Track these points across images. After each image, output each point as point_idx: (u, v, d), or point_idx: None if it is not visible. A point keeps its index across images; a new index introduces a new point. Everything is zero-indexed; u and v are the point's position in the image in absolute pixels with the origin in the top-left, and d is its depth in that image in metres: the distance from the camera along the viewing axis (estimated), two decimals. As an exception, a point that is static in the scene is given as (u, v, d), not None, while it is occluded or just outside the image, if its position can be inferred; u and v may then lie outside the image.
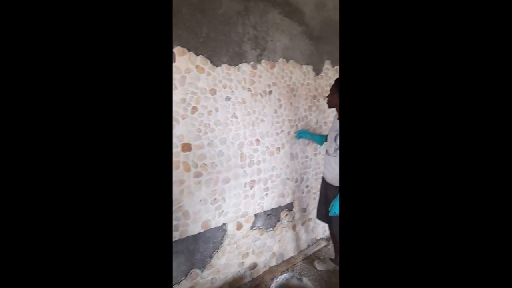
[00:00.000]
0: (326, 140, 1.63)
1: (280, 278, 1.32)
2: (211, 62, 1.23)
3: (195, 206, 1.24)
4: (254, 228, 1.55)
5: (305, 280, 1.31)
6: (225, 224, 1.39)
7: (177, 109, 1.13)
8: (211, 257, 1.35)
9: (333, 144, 1.43)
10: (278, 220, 1.71)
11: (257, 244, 1.58)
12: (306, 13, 1.65)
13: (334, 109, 1.69)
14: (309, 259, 1.88)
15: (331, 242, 2.01)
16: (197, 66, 1.18)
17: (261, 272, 1.63)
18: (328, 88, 1.87)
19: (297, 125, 1.70)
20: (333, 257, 1.82)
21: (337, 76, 1.91)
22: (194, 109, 1.19)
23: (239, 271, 1.50)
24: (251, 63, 1.40)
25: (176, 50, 1.11)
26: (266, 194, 1.59)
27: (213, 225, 1.33)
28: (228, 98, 1.31)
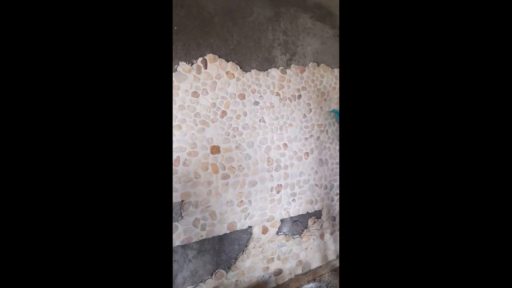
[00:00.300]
0: None
1: None
2: (241, 68, 1.27)
3: (221, 207, 1.28)
4: (280, 233, 1.53)
5: (332, 292, 1.26)
6: (250, 227, 1.40)
7: (207, 113, 1.19)
8: (236, 259, 1.36)
9: None
10: (306, 227, 1.67)
11: (282, 250, 1.56)
12: (338, 15, 1.61)
13: None
14: (337, 271, 1.80)
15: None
16: (227, 72, 1.22)
17: (286, 279, 1.60)
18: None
19: (327, 130, 1.66)
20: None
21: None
22: (223, 113, 1.23)
23: (263, 276, 1.49)
24: (281, 68, 1.41)
25: (208, 57, 1.17)
26: (293, 200, 1.57)
27: (238, 227, 1.35)
28: (256, 103, 1.33)
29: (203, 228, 1.23)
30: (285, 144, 1.48)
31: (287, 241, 1.57)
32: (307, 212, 1.66)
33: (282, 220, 1.53)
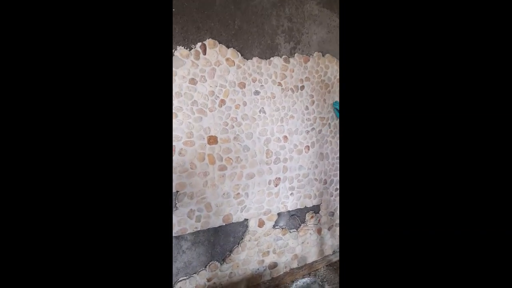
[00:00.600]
0: None
1: (301, 282, 1.27)
2: (242, 55, 1.21)
3: (217, 199, 1.24)
4: (276, 227, 1.51)
5: (327, 287, 1.24)
6: (247, 219, 1.38)
7: (205, 101, 1.14)
8: (231, 251, 1.35)
9: None
10: (303, 222, 1.64)
11: (278, 244, 1.54)
12: (347, 3, 1.53)
13: None
14: (334, 266, 1.79)
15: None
16: (227, 59, 1.17)
17: (281, 272, 1.59)
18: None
19: (329, 124, 1.61)
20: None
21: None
22: (222, 102, 1.18)
23: (258, 269, 1.48)
24: (284, 56, 1.35)
25: (208, 42, 1.11)
26: (291, 194, 1.54)
27: (234, 219, 1.32)
28: (257, 92, 1.28)
29: (198, 220, 1.20)
30: (285, 137, 1.43)
31: (284, 235, 1.55)
32: (305, 207, 1.63)
33: (279, 214, 1.51)
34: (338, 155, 1.71)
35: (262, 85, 1.29)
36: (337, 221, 1.84)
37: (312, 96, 1.50)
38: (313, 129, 1.54)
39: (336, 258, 1.84)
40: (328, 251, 1.84)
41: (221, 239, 1.30)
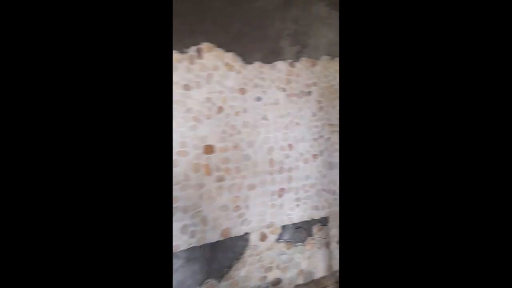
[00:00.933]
0: None
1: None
2: (243, 59, 1.14)
3: (215, 212, 1.18)
4: (280, 240, 1.42)
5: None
6: (247, 233, 1.30)
7: (201, 108, 1.08)
8: (229, 268, 1.27)
9: None
10: (310, 235, 1.54)
11: (282, 259, 1.45)
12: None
13: None
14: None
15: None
16: (226, 64, 1.10)
17: (286, 289, 1.50)
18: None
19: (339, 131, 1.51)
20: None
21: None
22: (220, 109, 1.12)
23: (260, 286, 1.39)
24: (289, 60, 1.27)
25: (204, 46, 1.05)
26: (297, 205, 1.44)
27: (234, 233, 1.25)
28: (259, 99, 1.21)
29: (192, 235, 1.14)
30: (290, 145, 1.35)
31: (288, 249, 1.46)
32: (312, 219, 1.53)
33: (283, 227, 1.42)
34: (348, 164, 1.59)
35: (264, 91, 1.22)
36: (348, 234, 1.72)
37: (320, 102, 1.41)
38: (321, 136, 1.45)
39: (346, 274, 1.71)
40: (337, 266, 1.72)
41: (219, 255, 1.23)
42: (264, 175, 1.29)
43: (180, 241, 1.10)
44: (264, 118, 1.24)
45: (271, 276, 1.43)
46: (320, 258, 1.62)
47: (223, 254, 1.24)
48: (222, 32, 1.08)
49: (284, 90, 1.27)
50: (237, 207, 1.24)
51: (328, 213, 1.58)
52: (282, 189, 1.36)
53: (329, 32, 1.38)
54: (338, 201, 1.60)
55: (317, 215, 1.54)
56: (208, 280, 1.21)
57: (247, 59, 1.16)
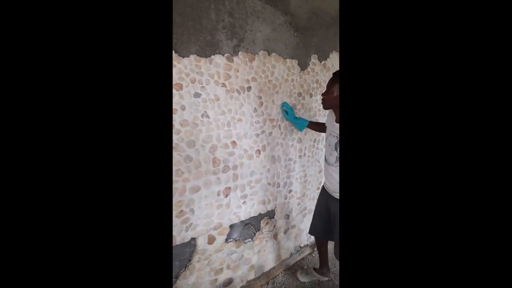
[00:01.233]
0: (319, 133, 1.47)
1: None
2: (176, 52, 1.04)
3: (155, 221, 1.06)
4: (229, 240, 1.39)
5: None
6: (194, 238, 1.22)
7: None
8: (177, 277, 1.18)
9: (334, 153, 1.24)
10: (258, 230, 1.56)
11: (232, 258, 1.42)
12: (291, 1, 1.48)
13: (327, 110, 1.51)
14: (292, 269, 1.75)
15: (315, 249, 1.89)
16: (157, 56, 0.99)
17: (237, 287, 1.48)
18: (316, 85, 1.72)
19: (279, 125, 1.55)
20: (317, 266, 1.69)
21: (325, 72, 1.76)
22: (154, 107, 1.00)
23: (211, 290, 1.34)
24: (226, 54, 1.22)
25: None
26: (244, 202, 1.43)
27: (178, 241, 1.16)
28: (197, 95, 1.13)
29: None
30: (234, 142, 1.32)
31: (238, 247, 1.44)
32: (259, 214, 1.54)
33: (231, 226, 1.39)
34: (289, 156, 1.66)
35: (203, 86, 1.15)
36: (293, 223, 1.80)
37: (260, 98, 1.41)
38: (263, 131, 1.46)
39: (293, 261, 1.80)
40: (285, 254, 1.80)
41: (163, 267, 1.13)
42: (208, 176, 1.23)
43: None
44: (205, 115, 1.17)
45: (222, 277, 1.40)
46: (269, 250, 1.66)
47: (168, 265, 1.14)
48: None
49: (224, 85, 1.22)
50: (181, 213, 1.15)
51: (273, 206, 1.63)
52: (228, 188, 1.33)
53: (264, 27, 1.38)
54: (282, 193, 1.66)
55: (264, 209, 1.57)
56: (152, 297, 1.10)
57: (181, 52, 1.06)
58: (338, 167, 1.23)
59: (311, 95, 1.71)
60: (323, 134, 1.82)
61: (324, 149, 1.54)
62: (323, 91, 1.39)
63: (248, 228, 1.50)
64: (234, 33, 1.25)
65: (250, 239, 1.51)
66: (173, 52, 1.04)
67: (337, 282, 1.63)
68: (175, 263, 1.17)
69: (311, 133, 1.78)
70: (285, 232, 1.75)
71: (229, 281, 1.43)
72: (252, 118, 1.38)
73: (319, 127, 1.54)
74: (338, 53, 1.83)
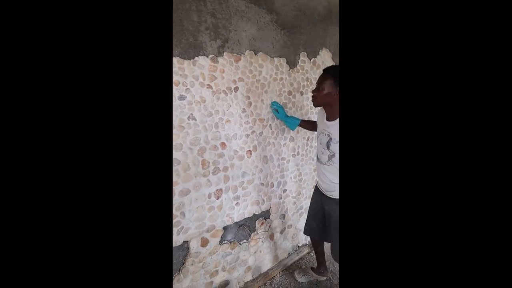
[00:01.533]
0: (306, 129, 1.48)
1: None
2: (158, 56, 1.04)
3: (144, 226, 1.06)
4: (224, 242, 1.38)
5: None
6: (186, 242, 1.21)
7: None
8: (169, 282, 1.17)
9: (325, 151, 1.22)
10: (253, 231, 1.55)
11: (228, 260, 1.41)
12: (275, -2, 1.47)
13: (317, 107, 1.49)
14: (290, 269, 1.74)
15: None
16: (138, 61, 0.98)
17: (235, 289, 1.47)
18: (307, 82, 1.71)
19: (270, 125, 1.54)
20: (315, 266, 1.67)
21: (315, 69, 1.75)
22: (137, 112, 1.00)
23: (206, 293, 1.33)
24: (211, 56, 1.21)
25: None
26: (237, 203, 1.42)
27: (170, 245, 1.15)
28: (182, 97, 1.13)
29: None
30: (223, 143, 1.31)
31: (233, 248, 1.43)
32: (254, 214, 1.53)
33: (225, 228, 1.38)
34: (282, 156, 1.65)
35: (188, 89, 1.14)
36: (289, 222, 1.79)
37: (248, 98, 1.40)
38: (253, 132, 1.45)
39: (291, 261, 1.79)
40: (282, 255, 1.79)
41: (154, 272, 1.12)
42: (198, 178, 1.22)
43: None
44: (191, 117, 1.16)
45: (218, 279, 1.39)
46: (265, 251, 1.65)
47: (159, 270, 1.13)
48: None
49: (210, 87, 1.22)
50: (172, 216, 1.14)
51: (268, 206, 1.61)
52: (219, 190, 1.32)
53: (249, 27, 1.37)
54: (277, 193, 1.65)
55: (258, 209, 1.55)
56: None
57: (164, 55, 1.06)
58: (330, 166, 1.21)
59: (301, 93, 1.70)
60: (315, 132, 1.81)
61: (316, 147, 1.53)
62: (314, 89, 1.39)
63: (243, 229, 1.49)
64: (218, 33, 1.24)
65: (245, 240, 1.50)
66: (155, 55, 1.03)
67: (335, 281, 1.62)
68: (168, 268, 1.16)
69: (304, 132, 1.77)
70: (281, 232, 1.74)
71: (226, 283, 1.42)
72: (241, 119, 1.38)
73: (312, 125, 1.53)
74: (327, 50, 1.82)
